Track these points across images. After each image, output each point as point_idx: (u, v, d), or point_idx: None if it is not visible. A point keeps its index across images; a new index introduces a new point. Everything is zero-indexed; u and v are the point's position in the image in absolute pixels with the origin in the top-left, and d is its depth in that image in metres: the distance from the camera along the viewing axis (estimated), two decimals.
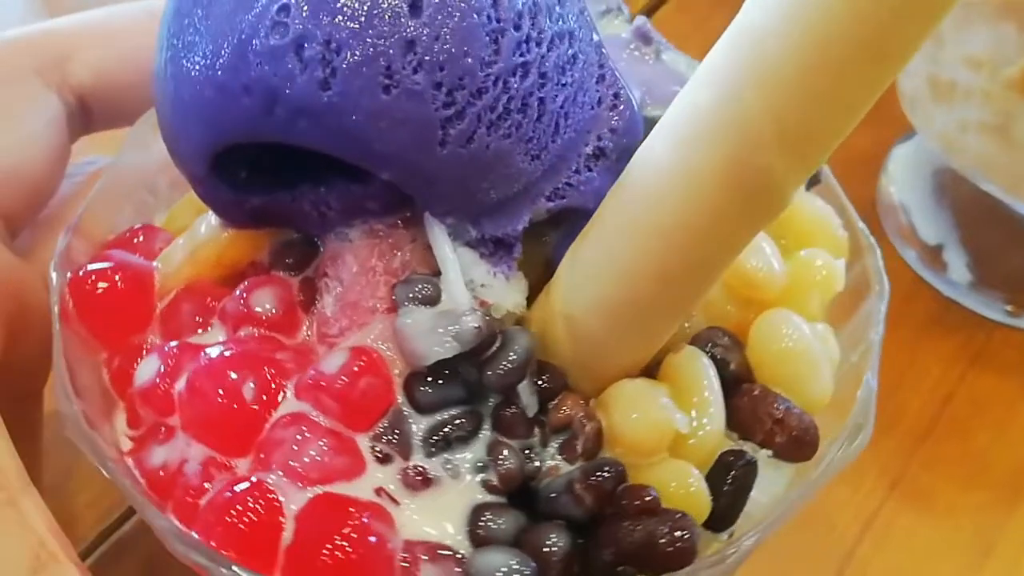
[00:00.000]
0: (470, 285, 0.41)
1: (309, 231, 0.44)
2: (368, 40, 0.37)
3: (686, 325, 0.44)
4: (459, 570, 0.38)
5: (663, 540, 0.37)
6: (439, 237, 0.41)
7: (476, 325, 0.39)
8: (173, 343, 0.43)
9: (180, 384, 0.41)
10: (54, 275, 0.44)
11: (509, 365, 0.40)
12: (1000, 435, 0.68)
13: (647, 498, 0.39)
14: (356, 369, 0.40)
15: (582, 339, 0.41)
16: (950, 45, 0.66)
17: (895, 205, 0.80)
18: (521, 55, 0.39)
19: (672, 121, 0.37)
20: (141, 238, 0.47)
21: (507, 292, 0.42)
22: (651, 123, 0.40)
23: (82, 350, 0.44)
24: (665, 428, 0.39)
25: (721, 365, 0.42)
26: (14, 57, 0.48)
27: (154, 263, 0.46)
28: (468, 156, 0.38)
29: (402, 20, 0.37)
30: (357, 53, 0.37)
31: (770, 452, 0.42)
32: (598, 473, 0.39)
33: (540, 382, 0.41)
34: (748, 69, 0.34)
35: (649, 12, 0.88)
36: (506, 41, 0.38)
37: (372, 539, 0.38)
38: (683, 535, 0.38)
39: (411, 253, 0.42)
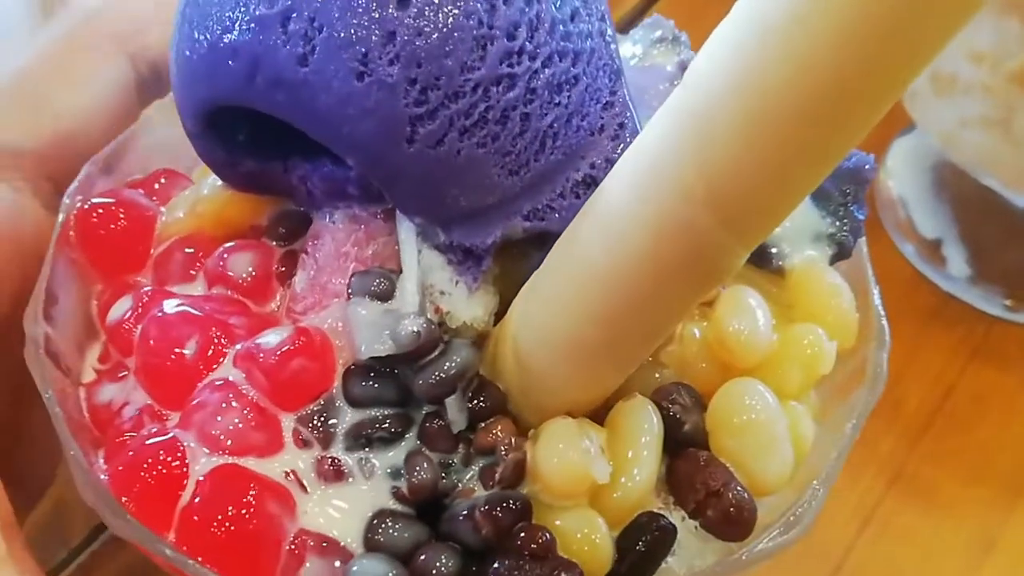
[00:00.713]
0: (430, 289, 0.40)
1: (300, 205, 0.44)
2: (350, 24, 0.37)
3: (656, 375, 0.42)
4: (339, 568, 0.37)
5: None
6: (405, 234, 0.41)
7: (415, 329, 0.39)
8: (147, 288, 0.44)
9: (139, 328, 0.42)
10: (66, 200, 0.46)
11: (441, 376, 0.39)
12: (1000, 429, 0.67)
13: (541, 540, 0.37)
14: (291, 348, 0.39)
15: (527, 368, 0.39)
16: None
17: (894, 199, 0.79)
18: (509, 66, 0.38)
19: (623, 164, 0.35)
20: (163, 182, 0.48)
21: (467, 304, 0.41)
22: None
23: (78, 278, 0.46)
24: (580, 473, 0.38)
25: (674, 424, 0.40)
26: (93, 23, 0.49)
27: (162, 209, 0.47)
28: (437, 158, 0.38)
29: (388, 11, 0.36)
30: (337, 35, 0.37)
31: (698, 523, 0.39)
32: (503, 504, 0.38)
33: (477, 401, 0.40)
34: (686, 125, 0.32)
35: (647, 6, 0.86)
36: (494, 49, 0.37)
37: (265, 519, 0.37)
38: None
39: (384, 246, 0.42)
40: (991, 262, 0.75)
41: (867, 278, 0.46)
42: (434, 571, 0.37)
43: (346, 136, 0.38)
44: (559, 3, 0.39)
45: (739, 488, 0.39)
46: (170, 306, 0.42)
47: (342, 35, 0.37)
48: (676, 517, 0.40)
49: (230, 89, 0.39)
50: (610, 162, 0.40)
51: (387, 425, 0.39)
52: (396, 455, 0.40)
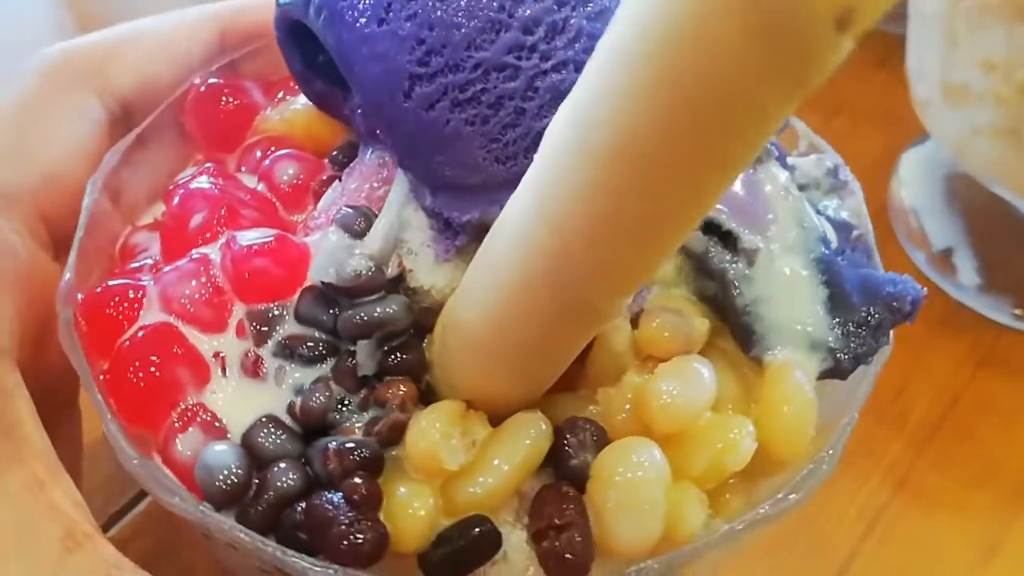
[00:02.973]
0: (401, 244, 0.42)
1: (356, 137, 0.47)
2: None
3: (590, 408, 0.42)
4: (202, 445, 0.40)
5: (336, 530, 0.37)
6: (396, 186, 0.43)
7: (355, 270, 0.41)
8: (208, 164, 0.49)
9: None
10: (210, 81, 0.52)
11: (361, 317, 0.41)
12: (1006, 437, 0.68)
13: (367, 492, 0.38)
14: (260, 248, 0.43)
15: (445, 347, 0.40)
16: (964, 48, 0.65)
17: (906, 209, 0.80)
18: (516, 57, 0.39)
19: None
20: (280, 95, 0.53)
21: (430, 270, 0.42)
22: None
23: (180, 143, 0.51)
24: (432, 453, 0.38)
25: (563, 455, 0.40)
26: (61, 68, 0.50)
27: (269, 109, 0.51)
28: (427, 121, 0.39)
29: None
30: None
31: (533, 549, 0.39)
32: (356, 451, 0.39)
33: (394, 357, 0.41)
34: (538, 170, 0.33)
35: None
36: (506, 37, 0.38)
37: (173, 380, 0.41)
38: (355, 538, 0.37)
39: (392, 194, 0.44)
40: (1001, 271, 0.76)
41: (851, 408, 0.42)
42: (277, 483, 0.39)
43: (357, 73, 0.40)
44: (595, 17, 0.39)
45: (580, 535, 0.38)
46: (201, 181, 0.46)
47: None
48: (518, 535, 0.39)
49: (295, 4, 0.43)
50: None
51: (312, 346, 0.42)
52: (308, 375, 0.42)
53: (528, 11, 0.39)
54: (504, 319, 0.36)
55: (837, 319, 0.42)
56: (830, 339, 0.42)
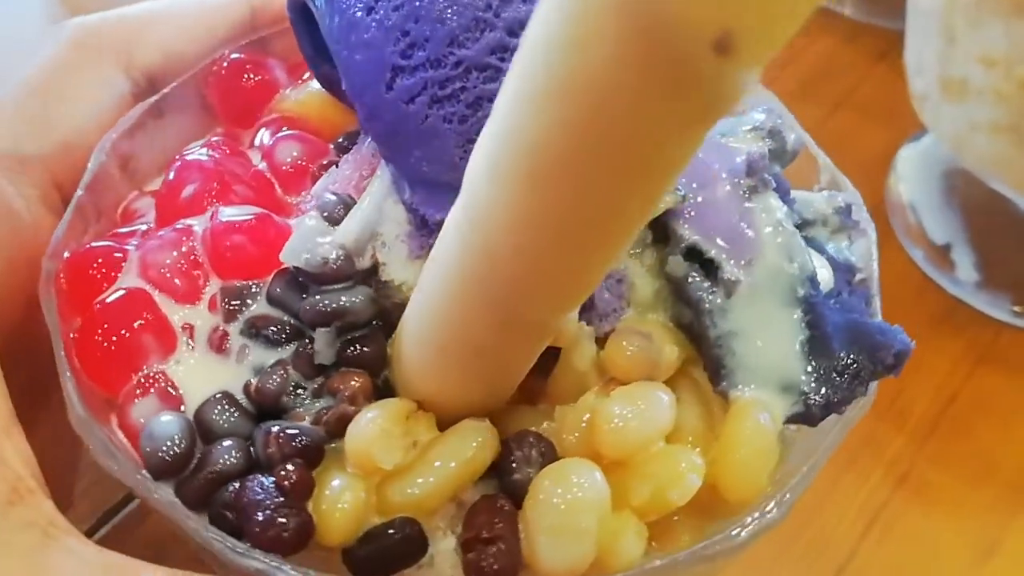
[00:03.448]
0: (376, 237, 0.42)
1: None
2: None
3: (544, 423, 0.41)
4: (156, 413, 0.40)
5: (261, 514, 0.37)
6: (378, 176, 0.42)
7: (324, 257, 0.41)
8: (216, 138, 0.49)
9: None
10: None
11: (323, 304, 0.40)
12: (1005, 434, 0.68)
13: (296, 479, 0.38)
14: (238, 224, 0.43)
15: (400, 343, 0.40)
16: (963, 43, 0.64)
17: (903, 204, 0.79)
18: (499, 59, 0.38)
19: None
20: (305, 76, 0.53)
21: (401, 265, 0.42)
22: None
23: (202, 115, 0.52)
24: (366, 450, 0.38)
25: (506, 468, 0.39)
26: (87, 39, 0.51)
27: (288, 89, 0.52)
28: (406, 114, 0.39)
29: None
30: None
31: (459, 557, 0.38)
32: (295, 437, 0.39)
33: (353, 348, 0.41)
34: (467, 178, 0.32)
35: None
36: (489, 37, 0.38)
37: (138, 345, 0.41)
38: (278, 524, 0.37)
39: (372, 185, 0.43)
40: (1000, 268, 0.76)
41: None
42: (218, 460, 0.39)
43: (344, 59, 0.40)
44: None
45: (508, 551, 0.37)
46: (201, 153, 0.46)
47: None
48: (448, 542, 0.39)
49: None
50: None
51: (277, 329, 0.42)
52: (270, 357, 0.42)
53: (515, 13, 0.38)
54: (451, 323, 0.36)
55: (814, 362, 0.40)
56: (803, 382, 0.40)
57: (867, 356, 0.41)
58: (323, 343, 0.41)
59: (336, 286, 0.41)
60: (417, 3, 0.38)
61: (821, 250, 0.45)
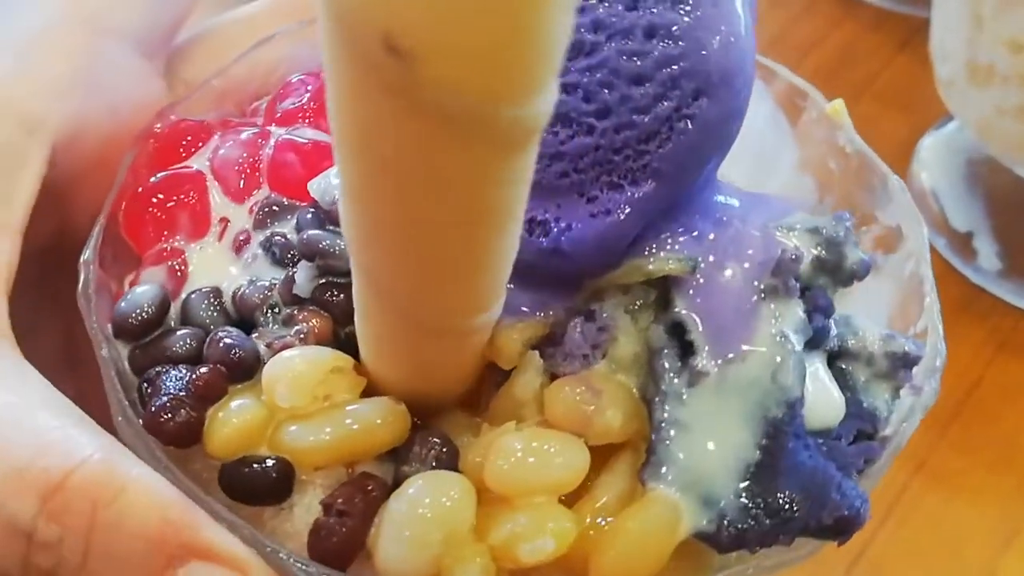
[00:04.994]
0: None
1: None
2: None
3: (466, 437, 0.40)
4: (159, 295, 0.42)
5: (159, 400, 0.38)
6: None
7: (335, 197, 0.41)
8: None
9: None
10: None
11: (310, 238, 0.41)
12: None
13: (200, 380, 0.38)
14: (299, 146, 0.45)
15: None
16: (989, 28, 0.65)
17: (926, 191, 0.80)
18: None
19: None
20: None
21: None
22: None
23: None
24: (270, 384, 0.38)
25: (400, 458, 0.39)
26: None
27: None
28: None
29: None
30: None
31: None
32: (234, 347, 0.40)
33: (330, 293, 0.41)
34: None
35: None
36: None
37: (172, 218, 0.44)
38: (167, 415, 0.38)
39: None
40: (1022, 256, 0.76)
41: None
42: (172, 341, 0.41)
43: None
44: (630, 56, 0.36)
45: (352, 529, 0.37)
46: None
47: None
48: (314, 498, 0.38)
49: None
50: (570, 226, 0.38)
51: (282, 250, 0.43)
52: (269, 273, 0.43)
53: None
54: (376, 320, 0.36)
55: (751, 490, 0.37)
56: (727, 505, 0.36)
57: (808, 508, 0.37)
58: (304, 276, 0.41)
59: (336, 228, 0.41)
60: None
61: (851, 388, 0.41)
